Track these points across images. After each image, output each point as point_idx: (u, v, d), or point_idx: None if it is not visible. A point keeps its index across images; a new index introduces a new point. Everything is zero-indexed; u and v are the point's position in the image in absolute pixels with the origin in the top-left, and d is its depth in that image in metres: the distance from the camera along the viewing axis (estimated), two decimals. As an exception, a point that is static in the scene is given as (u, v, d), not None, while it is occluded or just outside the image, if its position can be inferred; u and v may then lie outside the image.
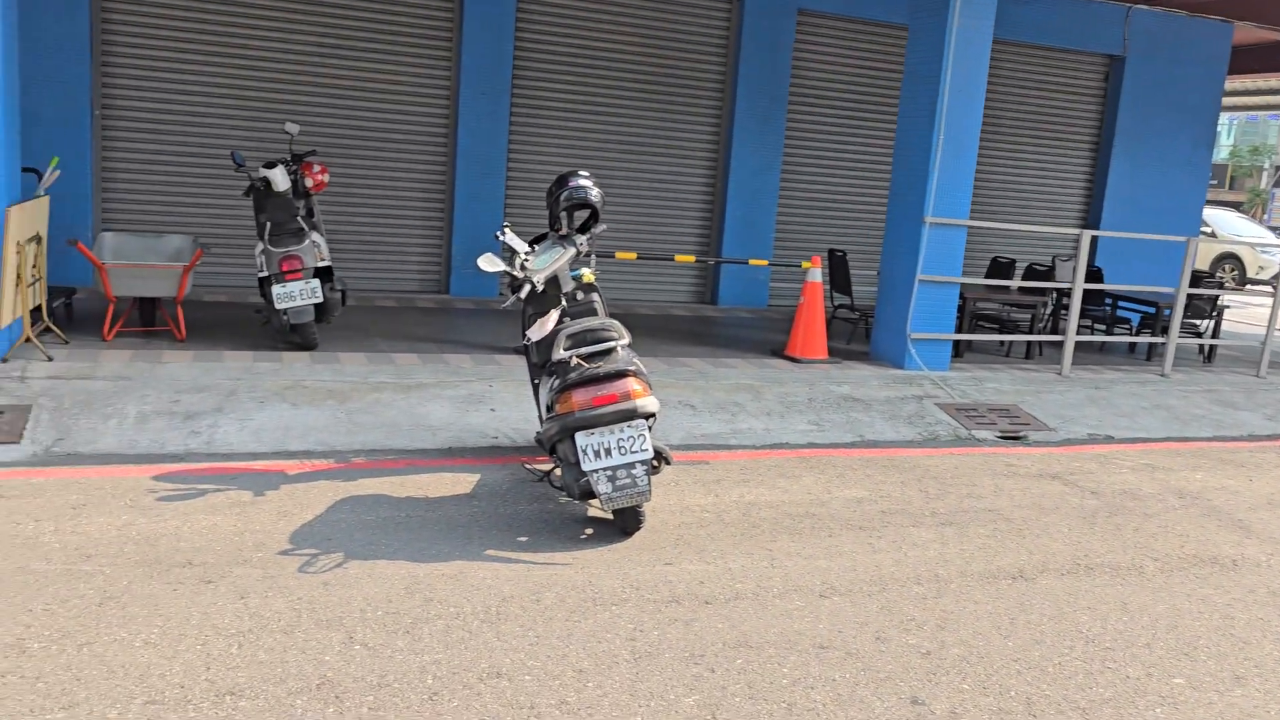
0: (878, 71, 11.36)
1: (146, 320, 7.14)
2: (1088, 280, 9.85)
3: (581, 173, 5.15)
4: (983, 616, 4.06)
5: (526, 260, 4.86)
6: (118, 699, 2.98)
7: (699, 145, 10.79)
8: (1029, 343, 9.42)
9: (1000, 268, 9.87)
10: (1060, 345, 9.06)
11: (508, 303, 4.88)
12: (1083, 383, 8.49)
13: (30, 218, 6.20)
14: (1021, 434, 7.11)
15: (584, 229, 5.17)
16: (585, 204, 5.08)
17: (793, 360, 8.11)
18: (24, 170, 6.84)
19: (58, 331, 6.68)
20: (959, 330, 8.83)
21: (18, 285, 6.00)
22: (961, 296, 8.88)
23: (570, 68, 10.18)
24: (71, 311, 7.42)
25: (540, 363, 4.96)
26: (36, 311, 6.55)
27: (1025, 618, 4.08)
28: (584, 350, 4.54)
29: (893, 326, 8.25)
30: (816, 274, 8.15)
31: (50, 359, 6.10)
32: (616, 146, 10.46)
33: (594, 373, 4.44)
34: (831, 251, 9.20)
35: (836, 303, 9.30)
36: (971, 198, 8.42)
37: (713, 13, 10.58)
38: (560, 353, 4.54)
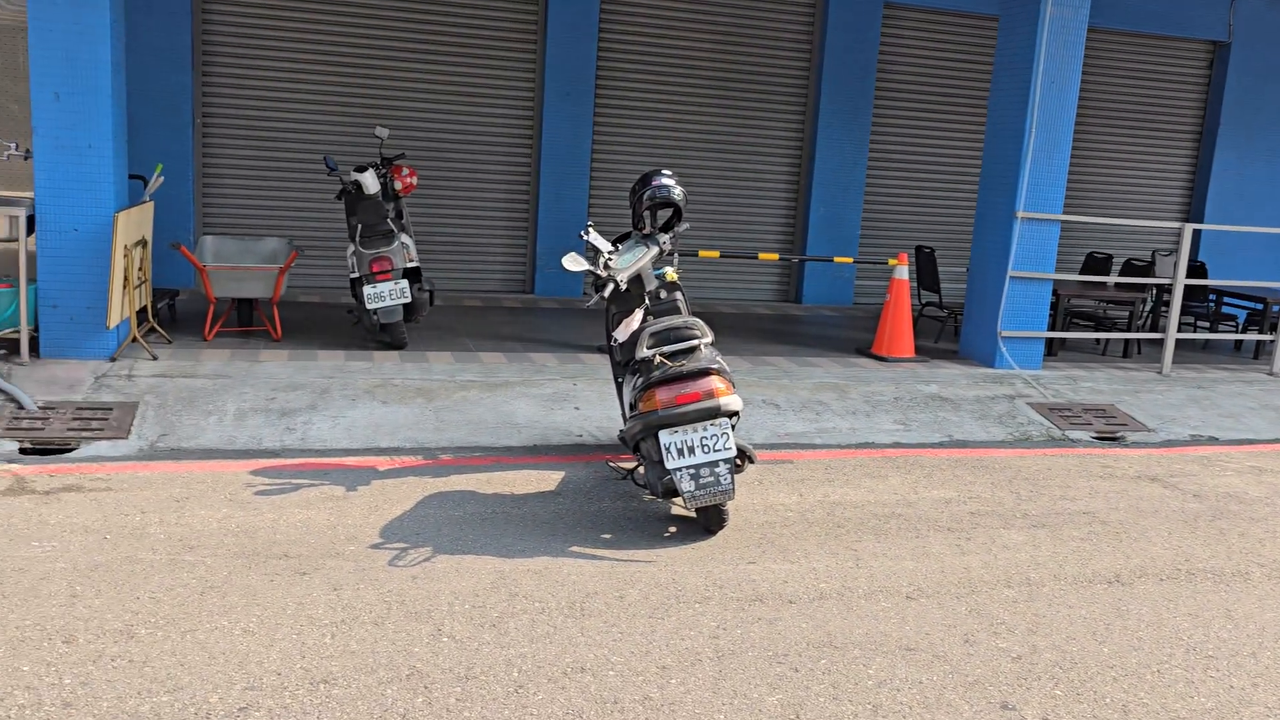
0: (967, 64, 11.12)
1: (244, 320, 7.39)
2: (1190, 275, 9.48)
3: (664, 171, 5.15)
4: (1077, 621, 3.94)
5: (610, 259, 4.88)
6: (219, 684, 3.09)
7: (782, 142, 10.70)
8: (1127, 341, 9.10)
9: (1096, 263, 9.56)
10: (1160, 343, 8.74)
11: (591, 302, 4.92)
12: (1184, 382, 8.17)
13: (136, 223, 6.47)
14: (1119, 435, 6.88)
15: (667, 228, 5.18)
16: (668, 203, 5.08)
17: (879, 359, 7.99)
18: (130, 177, 7.15)
19: (162, 332, 6.96)
20: (1052, 328, 8.58)
21: (125, 287, 6.27)
22: (1055, 293, 8.63)
23: (653, 67, 10.20)
24: (175, 312, 7.72)
25: (624, 361, 4.98)
26: (143, 312, 6.84)
27: (1122, 623, 3.95)
28: (667, 349, 4.54)
29: (982, 324, 8.07)
30: (903, 271, 8.02)
31: (155, 358, 6.36)
32: (699, 145, 10.45)
33: (677, 371, 4.44)
34: (919, 248, 9.03)
35: (924, 300, 9.13)
36: (1065, 192, 8.16)
37: (796, 8, 10.49)
38: (643, 351, 4.56)
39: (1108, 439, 6.81)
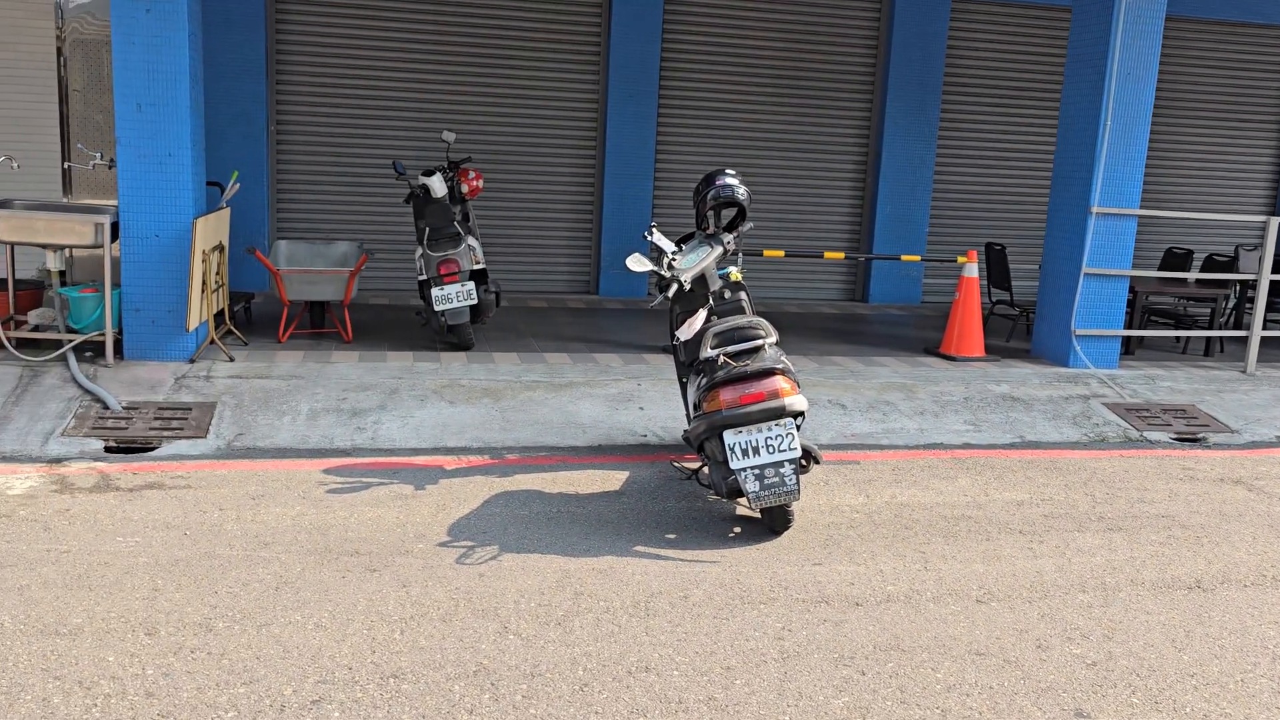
0: (1037, 56, 10.88)
1: (317, 322, 7.56)
2: (1276, 270, 9.13)
3: (728, 171, 5.14)
4: (1155, 628, 3.83)
5: (674, 259, 4.88)
6: (292, 677, 3.17)
7: (848, 139, 10.59)
8: (1208, 339, 8.81)
9: (1176, 259, 9.27)
10: (1244, 341, 8.44)
11: (655, 302, 4.92)
12: (1270, 381, 7.88)
13: (214, 229, 6.66)
14: (1200, 436, 6.66)
15: (731, 227, 5.16)
16: (732, 202, 5.06)
17: (947, 358, 7.86)
18: (208, 184, 7.36)
19: (239, 334, 7.16)
20: (1129, 326, 8.35)
21: (203, 291, 6.46)
22: (1132, 290, 8.39)
23: (717, 67, 10.18)
24: (251, 315, 7.93)
25: (688, 361, 4.98)
26: (220, 315, 7.04)
27: (1203, 630, 3.82)
28: (731, 348, 4.53)
29: (1056, 322, 7.88)
30: (973, 269, 7.87)
31: (232, 359, 6.54)
32: (764, 144, 10.40)
33: (741, 371, 4.43)
34: (989, 245, 8.86)
35: (995, 298, 8.96)
36: (1143, 186, 7.94)
37: (862, 3, 10.37)
38: (708, 351, 4.55)
39: (1188, 440, 6.60)
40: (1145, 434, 6.61)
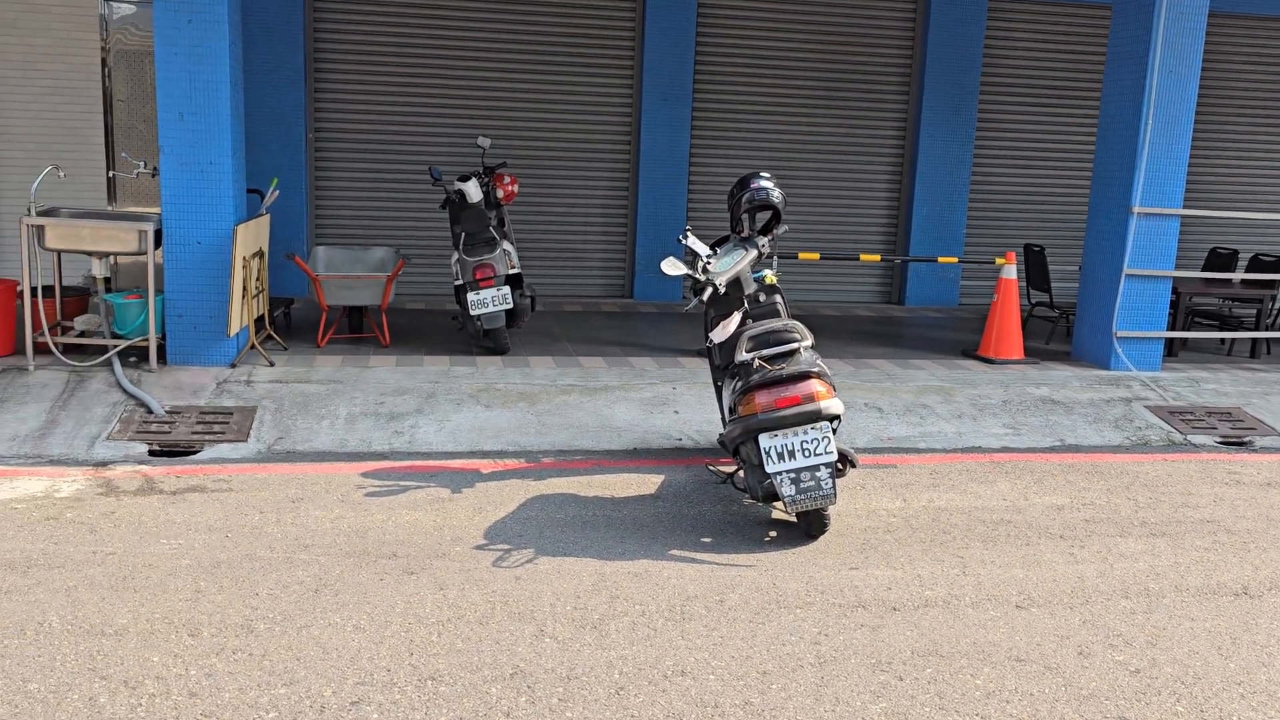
0: (1076, 55, 10.74)
1: (355, 327, 7.63)
2: (1324, 271, 8.94)
3: (763, 174, 5.12)
4: (1200, 635, 3.76)
5: (708, 263, 4.88)
6: (332, 678, 3.20)
7: (884, 141, 10.52)
8: (1254, 340, 8.64)
9: (1220, 259, 9.11)
10: (1291, 342, 8.27)
11: (690, 305, 4.92)
12: (1319, 383, 7.71)
13: (253, 235, 6.76)
14: (1246, 439, 6.54)
15: (766, 230, 5.15)
16: (767, 205, 5.05)
17: (986, 361, 7.78)
18: (248, 191, 7.46)
19: (278, 339, 7.25)
20: (1172, 328, 8.21)
21: (244, 297, 6.55)
22: (1175, 291, 8.25)
23: (751, 69, 10.15)
24: (290, 320, 8.03)
25: (723, 365, 4.97)
26: (260, 321, 7.13)
27: (1250, 638, 3.75)
28: (766, 352, 4.52)
29: (1096, 324, 7.78)
30: (1011, 270, 7.79)
31: (272, 364, 6.63)
32: (799, 146, 10.36)
33: (776, 374, 4.41)
34: (1028, 246, 8.76)
35: (1034, 300, 8.85)
36: (1185, 184, 7.81)
37: (897, 4, 10.30)
38: (742, 355, 4.54)
39: (1234, 444, 6.48)
40: (1189, 437, 6.50)
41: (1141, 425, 6.62)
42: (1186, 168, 7.52)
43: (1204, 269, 9.38)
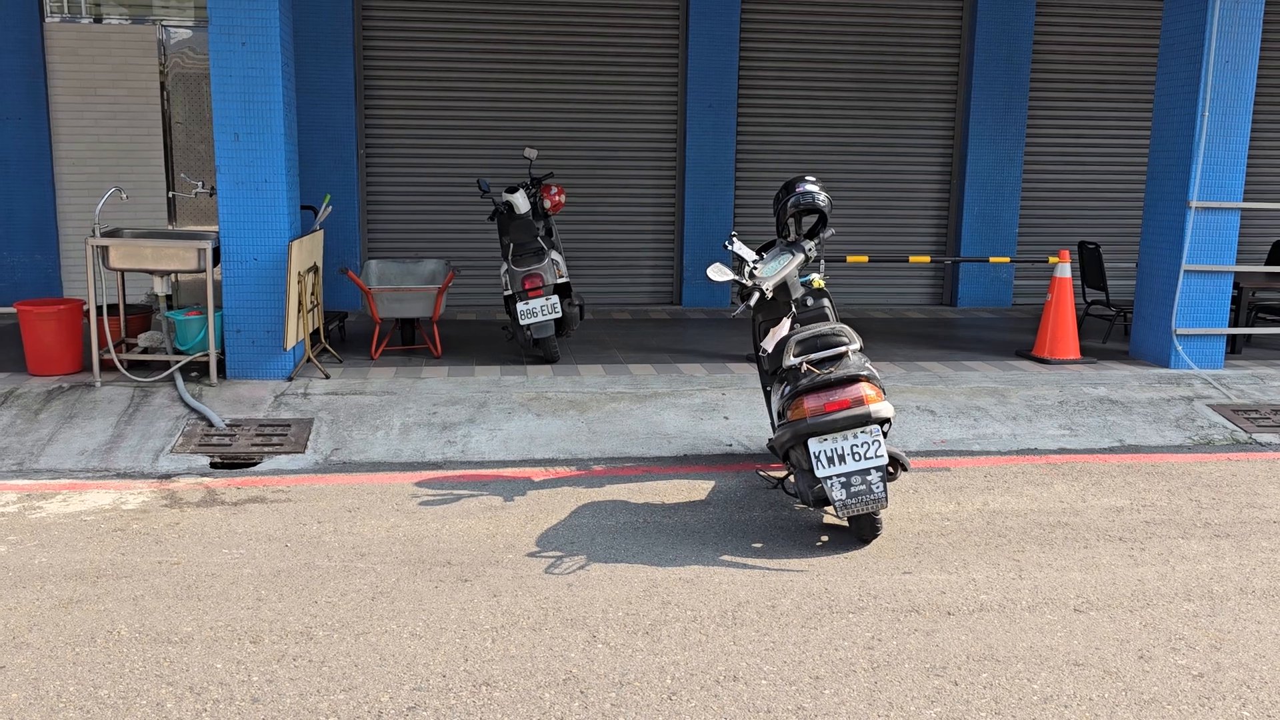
0: (1128, 48, 10.54)
1: (407, 339, 7.75)
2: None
3: (808, 178, 5.12)
4: (1266, 638, 3.66)
5: (755, 268, 4.88)
6: (389, 684, 3.26)
7: (932, 141, 10.42)
8: (1321, 335, 8.40)
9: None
10: (1361, 337, 8.03)
11: (738, 311, 4.93)
12: (1391, 378, 7.47)
13: (308, 251, 6.90)
14: (1314, 437, 6.36)
15: (812, 234, 5.14)
16: (813, 209, 5.04)
17: (1040, 361, 7.66)
18: (302, 208, 7.62)
19: (333, 352, 7.39)
20: (1234, 324, 8.01)
21: (299, 311, 6.69)
22: (1237, 287, 8.06)
23: (796, 73, 10.13)
24: (344, 333, 8.17)
25: (771, 370, 4.96)
26: (315, 334, 7.28)
27: (1320, 641, 3.65)
28: (814, 356, 4.50)
29: (1155, 322, 7.62)
30: (1065, 269, 7.67)
31: (328, 377, 6.76)
32: (846, 148, 10.30)
33: (825, 378, 4.40)
34: (1083, 244, 8.61)
35: (1090, 299, 8.70)
36: (1245, 178, 7.62)
37: (942, 2, 10.21)
38: (790, 359, 4.53)
39: (1301, 442, 6.31)
40: (1255, 436, 6.34)
41: (1204, 424, 6.47)
42: (1245, 160, 7.34)
43: (1268, 263, 9.13)
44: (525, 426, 6.02)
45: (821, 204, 5.03)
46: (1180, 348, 7.45)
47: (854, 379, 4.40)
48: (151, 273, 6.57)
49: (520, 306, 7.15)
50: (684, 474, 5.44)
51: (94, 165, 9.15)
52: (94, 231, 6.41)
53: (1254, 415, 6.65)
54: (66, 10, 8.95)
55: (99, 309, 6.62)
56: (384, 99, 9.61)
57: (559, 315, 7.19)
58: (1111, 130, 10.67)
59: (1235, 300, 8.09)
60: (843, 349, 4.51)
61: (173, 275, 6.78)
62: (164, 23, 9.07)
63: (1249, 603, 3.97)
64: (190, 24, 9.10)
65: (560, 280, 7.32)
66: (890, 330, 9.01)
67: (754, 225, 10.24)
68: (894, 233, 10.54)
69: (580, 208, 10.01)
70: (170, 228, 9.16)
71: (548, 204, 7.76)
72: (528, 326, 7.20)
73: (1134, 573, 4.24)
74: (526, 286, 7.15)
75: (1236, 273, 7.88)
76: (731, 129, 9.90)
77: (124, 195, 6.86)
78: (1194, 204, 7.23)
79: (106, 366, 6.54)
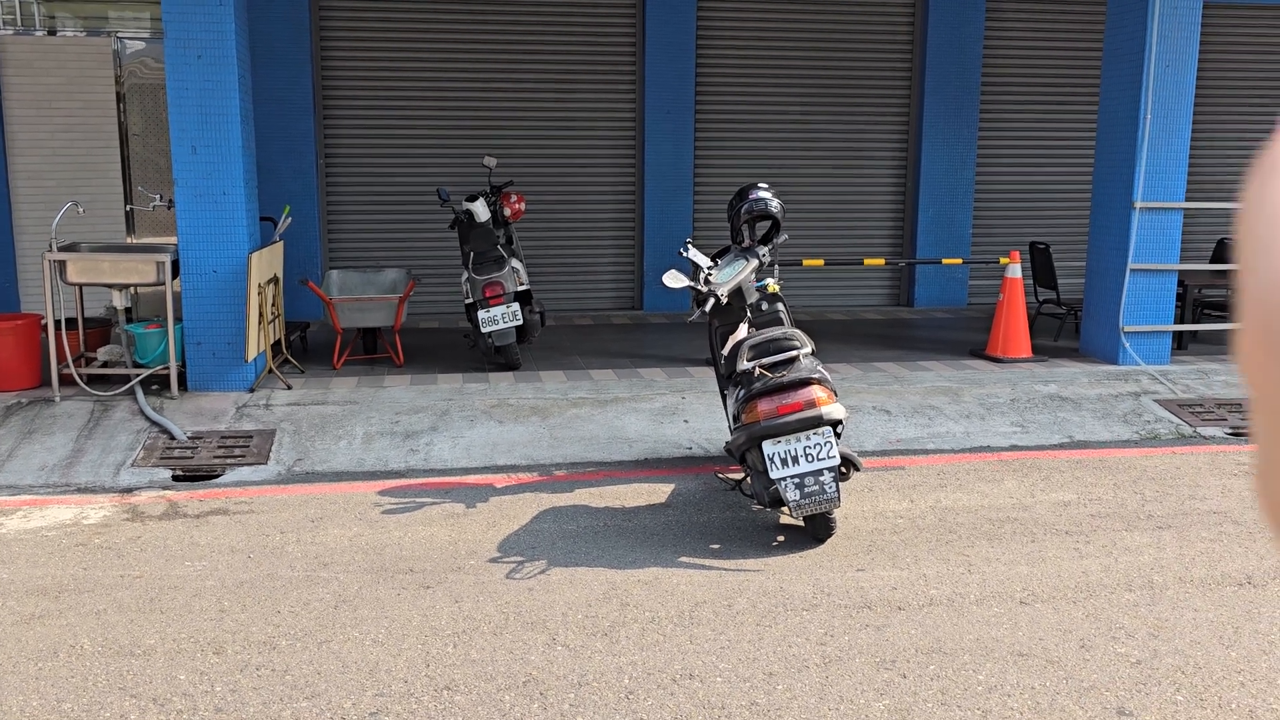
0: (1077, 52, 10.79)
1: (369, 348, 7.78)
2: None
3: (761, 185, 5.23)
4: (1202, 625, 3.82)
5: (710, 274, 4.98)
6: (352, 691, 3.32)
7: (887, 146, 10.60)
8: (1264, 330, 8.63)
9: (1228, 250, 9.12)
10: (1301, 331, 8.26)
11: (694, 316, 5.02)
12: (1329, 371, 7.71)
13: (268, 262, 6.92)
14: (1255, 430, 6.56)
15: (766, 240, 5.25)
16: (766, 215, 5.15)
17: (993, 360, 7.83)
18: (261, 219, 7.63)
19: (295, 362, 7.40)
20: (1180, 320, 8.24)
21: (260, 323, 6.71)
22: (1182, 284, 8.29)
23: (751, 79, 10.26)
24: (306, 343, 8.18)
25: (727, 374, 5.07)
26: (277, 345, 7.29)
27: (1252, 627, 3.80)
28: (767, 360, 4.61)
29: (1103, 320, 7.82)
30: (1016, 269, 7.85)
31: (289, 387, 6.78)
32: (803, 153, 10.45)
33: (778, 382, 4.51)
34: (1034, 245, 8.82)
35: (1041, 298, 8.90)
36: (1188, 178, 7.85)
37: (896, 8, 10.39)
38: (744, 363, 4.64)
39: (1244, 435, 6.51)
40: (1199, 430, 6.53)
41: (1151, 419, 6.66)
42: (1187, 161, 7.56)
43: (1212, 260, 9.40)
44: (487, 434, 6.08)
45: (774, 210, 5.14)
46: (1128, 345, 7.65)
47: (806, 382, 4.51)
48: (110, 286, 6.56)
49: (482, 314, 7.21)
50: (644, 478, 5.53)
51: (50, 179, 9.08)
52: (51, 246, 6.39)
53: (1198, 409, 6.86)
54: (20, 23, 8.88)
55: (57, 323, 6.60)
56: (343, 109, 9.62)
57: (520, 322, 7.26)
58: (1060, 133, 10.91)
59: (1181, 298, 8.32)
60: (795, 353, 4.62)
61: (131, 288, 6.77)
62: (119, 34, 9.03)
63: (1187, 591, 4.13)
64: (146, 35, 9.07)
65: (521, 288, 7.38)
66: (848, 332, 9.16)
67: (714, 230, 10.36)
68: (851, 236, 10.70)
69: (541, 215, 10.07)
70: (129, 241, 9.11)
71: (508, 212, 7.83)
72: (489, 334, 7.25)
73: (1079, 565, 4.39)
74: (488, 294, 7.21)
75: (1181, 271, 8.10)
76: (690, 135, 10.01)
77: (81, 209, 6.84)
78: (1138, 204, 7.44)
79: (66, 381, 6.52)
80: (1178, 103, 7.39)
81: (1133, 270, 7.54)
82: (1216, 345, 8.65)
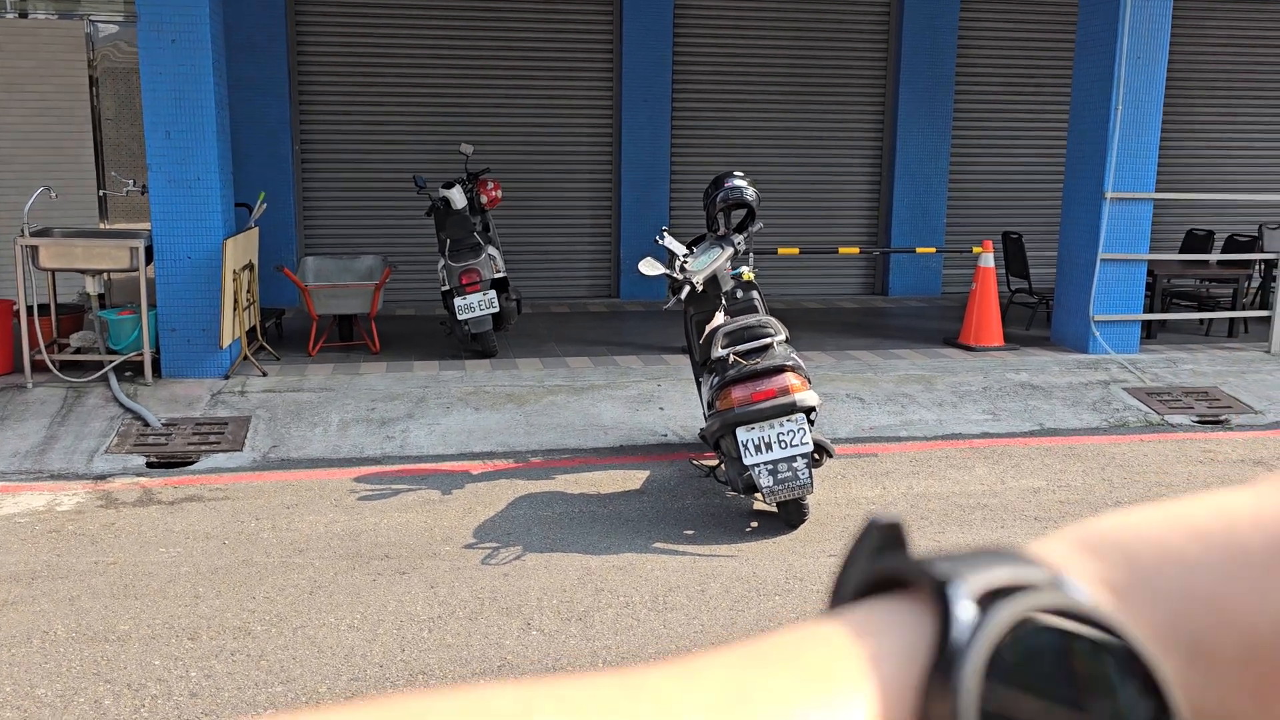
0: (1050, 42, 10.87)
1: (345, 335, 7.76)
2: (1299, 249, 9.08)
3: (736, 173, 5.26)
4: (1164, 608, 3.90)
5: (685, 262, 5.01)
6: (327, 675, 3.34)
7: (863, 134, 10.65)
8: (1231, 320, 8.79)
9: (1196, 241, 9.25)
10: (1268, 321, 8.42)
11: (669, 304, 5.05)
12: (1294, 360, 7.86)
13: (243, 248, 6.89)
14: (1223, 418, 6.68)
15: (741, 228, 5.28)
16: (741, 203, 5.19)
17: (966, 348, 7.92)
18: (236, 206, 7.59)
19: (270, 349, 7.38)
20: (1150, 310, 8.36)
21: (235, 309, 6.68)
22: (1152, 274, 8.40)
23: (728, 68, 10.28)
24: (281, 330, 8.15)
25: (702, 361, 5.11)
26: (252, 332, 7.26)
27: (1213, 609, 3.89)
28: (741, 347, 4.65)
29: (1074, 309, 7.92)
30: (988, 258, 7.93)
31: (265, 374, 6.76)
32: (779, 142, 10.49)
33: (752, 369, 4.55)
34: (1006, 234, 8.90)
35: (1014, 287, 9.00)
36: (1159, 169, 7.94)
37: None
38: (718, 351, 4.67)
39: (1211, 423, 6.62)
40: (1167, 418, 6.64)
41: (1119, 407, 6.76)
42: (1157, 152, 7.65)
43: (1181, 250, 9.53)
44: (463, 420, 6.09)
45: (749, 198, 5.18)
46: (1098, 334, 7.75)
47: (779, 369, 4.55)
48: (83, 272, 6.51)
49: (458, 301, 7.21)
50: (620, 464, 5.57)
51: (22, 163, 8.98)
52: (23, 231, 6.33)
53: (1166, 398, 6.96)
54: (-12, 4, 8.77)
55: (30, 309, 6.54)
56: (319, 95, 9.56)
57: (497, 310, 7.26)
58: (1033, 124, 11.00)
59: (1150, 287, 8.43)
60: (769, 340, 4.66)
61: (105, 274, 6.72)
62: (92, 17, 8.93)
63: (1150, 575, 4.21)
64: (119, 19, 8.97)
65: (498, 275, 7.39)
66: (823, 320, 9.22)
67: (690, 218, 10.38)
68: (826, 224, 10.75)
69: (517, 202, 10.06)
70: (102, 226, 9.03)
71: (484, 199, 7.82)
72: (465, 321, 7.26)
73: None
74: (464, 281, 7.21)
75: (1151, 261, 8.21)
76: (666, 123, 10.02)
77: (53, 194, 6.78)
78: (1109, 195, 7.53)
79: (38, 367, 6.47)
80: (1148, 94, 7.48)
81: (1103, 260, 7.63)
82: (1185, 334, 8.78)
